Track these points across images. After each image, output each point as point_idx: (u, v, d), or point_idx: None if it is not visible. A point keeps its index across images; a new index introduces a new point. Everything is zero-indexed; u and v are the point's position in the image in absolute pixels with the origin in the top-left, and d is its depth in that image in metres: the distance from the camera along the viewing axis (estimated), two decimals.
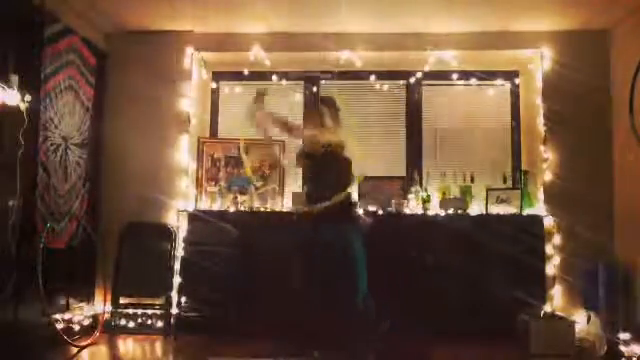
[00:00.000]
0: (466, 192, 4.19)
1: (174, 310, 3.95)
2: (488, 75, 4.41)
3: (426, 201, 4.13)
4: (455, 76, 4.36)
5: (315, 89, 4.49)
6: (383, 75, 4.45)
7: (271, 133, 3.92)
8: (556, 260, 3.95)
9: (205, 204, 4.27)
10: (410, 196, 4.13)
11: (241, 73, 4.40)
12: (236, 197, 4.24)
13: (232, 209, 4.13)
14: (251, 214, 4.10)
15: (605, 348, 3.36)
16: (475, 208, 4.14)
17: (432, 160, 4.47)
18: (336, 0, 3.68)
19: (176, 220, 4.10)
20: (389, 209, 4.04)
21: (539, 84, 4.14)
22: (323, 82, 4.47)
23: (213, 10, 3.91)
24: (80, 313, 3.81)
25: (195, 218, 4.03)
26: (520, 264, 3.77)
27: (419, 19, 4.00)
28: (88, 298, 4.03)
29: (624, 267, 3.65)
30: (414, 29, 4.14)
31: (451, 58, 4.20)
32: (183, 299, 3.92)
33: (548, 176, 4.04)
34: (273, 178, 4.37)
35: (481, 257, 3.82)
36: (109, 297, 4.02)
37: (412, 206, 4.09)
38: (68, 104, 3.71)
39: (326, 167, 3.22)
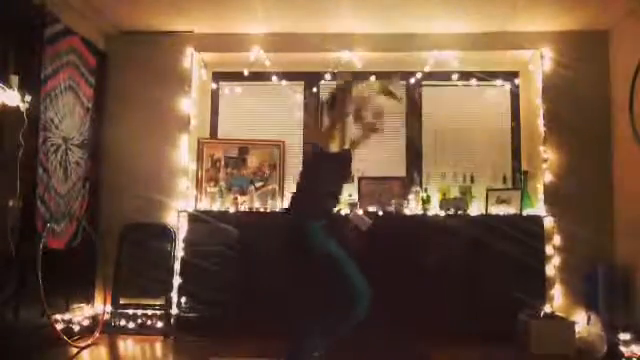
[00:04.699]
0: (466, 192, 4.19)
1: (174, 311, 3.95)
2: (488, 76, 4.40)
3: (426, 201, 4.13)
4: (455, 76, 4.36)
5: (315, 89, 4.49)
6: (383, 75, 4.44)
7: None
8: (556, 260, 3.95)
9: (205, 205, 4.27)
10: (410, 196, 4.13)
11: (241, 74, 4.40)
12: (236, 197, 4.24)
13: (232, 209, 4.13)
14: (251, 214, 4.10)
15: (605, 348, 3.36)
16: (475, 208, 4.14)
17: (432, 160, 4.47)
18: (336, 0, 3.68)
19: (176, 221, 4.09)
20: (389, 209, 4.04)
21: (539, 85, 4.14)
22: (323, 82, 4.47)
23: (213, 10, 3.92)
24: (80, 314, 3.81)
25: (195, 219, 4.03)
26: (520, 264, 3.77)
27: (419, 19, 4.00)
28: (88, 298, 4.02)
29: (624, 267, 3.66)
30: (414, 29, 4.14)
31: (451, 58, 4.20)
32: (183, 299, 3.92)
33: (548, 176, 4.04)
34: (273, 178, 4.37)
35: (481, 257, 3.82)
36: (109, 298, 4.02)
37: (412, 207, 4.09)
38: (68, 105, 3.71)
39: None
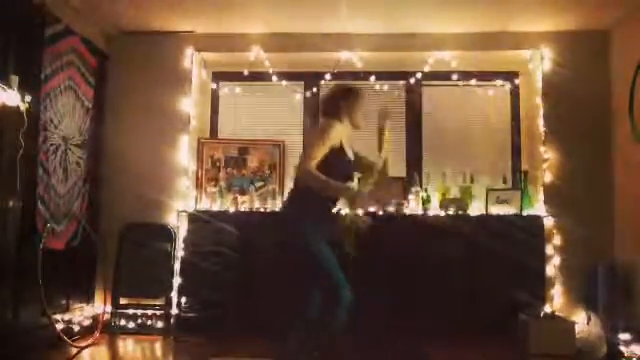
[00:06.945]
0: (466, 192, 4.19)
1: (174, 310, 3.95)
2: (488, 75, 4.40)
3: (426, 201, 4.12)
4: (455, 76, 4.36)
5: (315, 89, 4.49)
6: (383, 76, 4.45)
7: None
8: (556, 260, 3.95)
9: (205, 205, 4.27)
10: (410, 197, 4.13)
11: (241, 74, 4.40)
12: (236, 197, 4.25)
13: (232, 209, 4.13)
14: (251, 214, 4.10)
15: (605, 348, 3.36)
16: (475, 208, 4.14)
17: (432, 160, 4.47)
18: (336, 0, 3.68)
19: (176, 221, 4.10)
20: (389, 209, 4.04)
21: (539, 84, 4.14)
22: (323, 82, 4.47)
23: (213, 10, 3.92)
24: (80, 313, 3.81)
25: (195, 219, 4.03)
26: (520, 264, 3.77)
27: (419, 19, 4.00)
28: (88, 298, 4.02)
29: (624, 267, 3.65)
30: (414, 29, 4.14)
31: (451, 58, 4.20)
32: (183, 299, 3.92)
33: (548, 176, 4.04)
34: (273, 178, 4.37)
35: (481, 257, 3.82)
36: (109, 298, 4.03)
37: (412, 207, 4.09)
38: (68, 105, 3.71)
39: None
